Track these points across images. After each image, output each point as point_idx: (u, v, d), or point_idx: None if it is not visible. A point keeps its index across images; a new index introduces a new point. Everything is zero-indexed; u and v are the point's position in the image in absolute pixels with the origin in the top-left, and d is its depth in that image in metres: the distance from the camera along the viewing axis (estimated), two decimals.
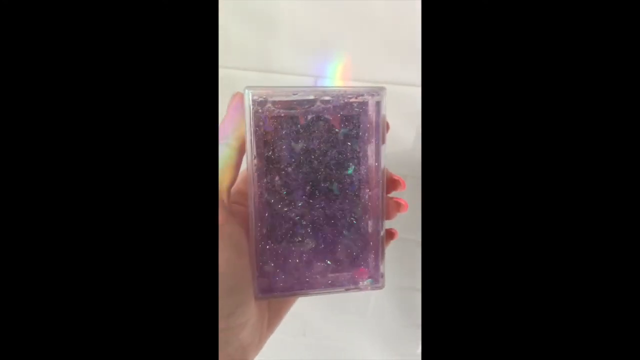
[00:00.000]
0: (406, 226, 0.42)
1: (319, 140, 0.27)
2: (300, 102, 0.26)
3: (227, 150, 0.26)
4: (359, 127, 0.27)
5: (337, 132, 0.27)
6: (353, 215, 0.28)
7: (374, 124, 0.27)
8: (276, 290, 0.28)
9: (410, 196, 0.41)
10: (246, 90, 0.25)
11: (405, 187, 0.30)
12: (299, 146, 0.27)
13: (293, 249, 0.28)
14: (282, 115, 0.26)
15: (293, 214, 0.27)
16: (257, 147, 0.26)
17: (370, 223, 0.28)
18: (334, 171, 0.27)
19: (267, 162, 0.26)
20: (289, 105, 0.26)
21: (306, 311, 0.48)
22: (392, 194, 0.30)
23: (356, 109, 0.27)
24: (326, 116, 0.27)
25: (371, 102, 0.27)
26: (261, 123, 0.26)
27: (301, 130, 0.27)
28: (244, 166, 0.27)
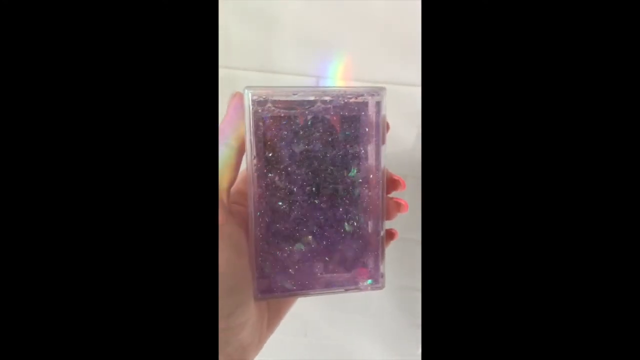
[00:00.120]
0: (406, 226, 0.42)
1: (318, 141, 0.27)
2: (300, 102, 0.26)
3: (227, 150, 0.25)
4: (359, 127, 0.27)
5: (337, 133, 0.27)
6: (353, 215, 0.28)
7: (374, 124, 0.27)
8: (276, 290, 0.28)
9: (410, 196, 0.41)
10: (246, 90, 0.25)
11: (405, 187, 0.29)
12: (299, 146, 0.27)
13: (293, 249, 0.28)
14: (282, 115, 0.26)
15: (293, 215, 0.27)
16: (257, 147, 0.26)
17: (370, 223, 0.28)
18: (334, 171, 0.27)
19: (267, 163, 0.26)
20: (288, 105, 0.26)
21: (307, 311, 0.48)
22: (392, 194, 0.30)
23: (356, 109, 0.27)
24: (326, 116, 0.27)
25: (371, 102, 0.27)
26: (261, 123, 0.26)
27: (301, 131, 0.27)
28: (243, 166, 0.27)
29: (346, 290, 0.29)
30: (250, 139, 0.26)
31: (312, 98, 0.26)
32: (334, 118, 0.27)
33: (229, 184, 0.26)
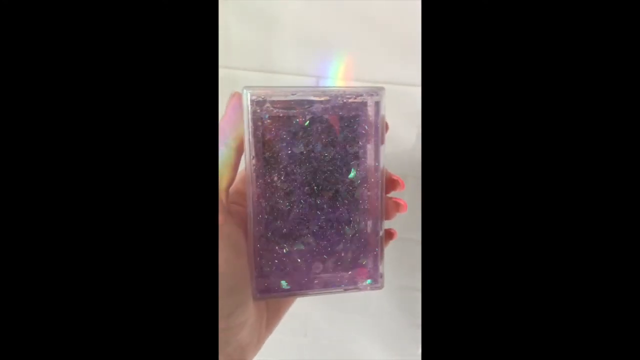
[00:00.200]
0: (406, 226, 0.42)
1: (317, 141, 0.27)
2: (299, 102, 0.26)
3: (226, 150, 0.25)
4: (358, 127, 0.27)
5: (336, 133, 0.27)
6: (352, 215, 0.28)
7: (373, 124, 0.27)
8: (274, 290, 0.28)
9: (410, 196, 0.41)
10: (244, 90, 0.25)
11: (404, 187, 0.29)
12: (298, 147, 0.27)
13: (291, 249, 0.28)
14: (281, 115, 0.26)
15: (292, 215, 0.27)
16: (256, 148, 0.26)
17: (369, 223, 0.28)
18: (333, 171, 0.27)
19: (266, 163, 0.26)
20: (287, 105, 0.26)
21: (307, 311, 0.48)
22: (392, 194, 0.30)
23: (355, 109, 0.27)
24: (325, 116, 0.27)
25: (370, 102, 0.27)
26: (259, 123, 0.26)
27: (300, 131, 0.27)
28: (242, 167, 0.27)
29: (345, 290, 0.29)
30: (249, 139, 0.26)
31: (311, 98, 0.26)
32: (333, 118, 0.27)
33: (227, 184, 0.26)
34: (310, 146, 0.27)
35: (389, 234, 0.30)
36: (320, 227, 0.28)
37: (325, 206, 0.28)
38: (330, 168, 0.27)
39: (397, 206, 0.30)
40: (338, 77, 0.37)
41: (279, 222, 0.27)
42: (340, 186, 0.28)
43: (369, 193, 0.28)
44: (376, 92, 0.27)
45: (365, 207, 0.28)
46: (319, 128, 0.27)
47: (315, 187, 0.27)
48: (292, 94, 0.26)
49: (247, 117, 0.25)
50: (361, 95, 0.27)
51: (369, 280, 0.29)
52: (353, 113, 0.27)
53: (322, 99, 0.26)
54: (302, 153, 0.27)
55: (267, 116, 0.26)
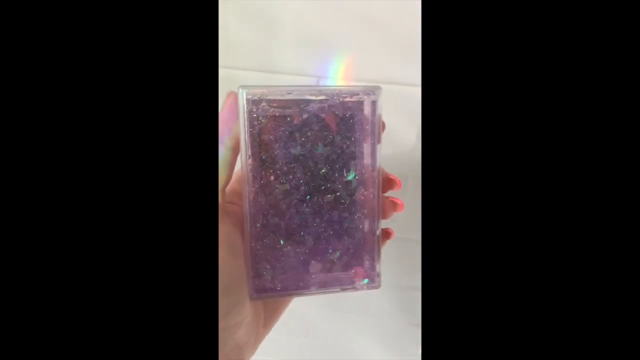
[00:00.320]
0: (406, 226, 0.42)
1: (314, 140, 0.27)
2: (296, 102, 0.26)
3: (222, 150, 0.25)
4: (354, 126, 0.27)
5: (332, 132, 0.27)
6: (349, 214, 0.28)
7: (369, 123, 0.27)
8: (271, 290, 0.28)
9: (410, 196, 0.41)
10: (240, 90, 0.25)
11: (401, 186, 0.29)
12: (294, 146, 0.27)
13: (288, 248, 0.28)
14: (277, 114, 0.26)
15: (288, 214, 0.27)
16: (252, 147, 0.26)
17: (366, 223, 0.28)
18: (330, 171, 0.27)
19: (262, 162, 0.26)
20: (283, 104, 0.26)
21: (308, 311, 0.48)
22: (389, 193, 0.30)
23: (352, 109, 0.27)
24: (321, 115, 0.27)
25: (367, 101, 0.27)
26: (255, 122, 0.26)
27: (296, 130, 0.26)
28: (238, 166, 0.27)
29: (342, 289, 0.29)
30: (245, 139, 0.26)
31: (307, 97, 0.26)
32: (330, 117, 0.27)
33: (224, 183, 0.26)
34: (307, 145, 0.27)
35: (386, 234, 0.30)
36: (317, 226, 0.28)
37: (322, 205, 0.28)
38: (327, 167, 0.27)
39: (394, 205, 0.30)
40: (338, 77, 0.37)
41: (275, 221, 0.27)
42: (337, 185, 0.27)
43: (365, 192, 0.28)
44: (373, 91, 0.27)
45: (362, 206, 0.28)
46: (316, 127, 0.27)
47: (312, 187, 0.27)
48: (288, 93, 0.26)
49: (243, 116, 0.25)
50: (357, 95, 0.27)
51: (366, 280, 0.29)
52: (349, 112, 0.27)
53: (319, 98, 0.26)
54: (298, 152, 0.27)
55: (263, 115, 0.26)
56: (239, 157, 0.26)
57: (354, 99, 0.27)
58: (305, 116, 0.26)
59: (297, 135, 0.27)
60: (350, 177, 0.28)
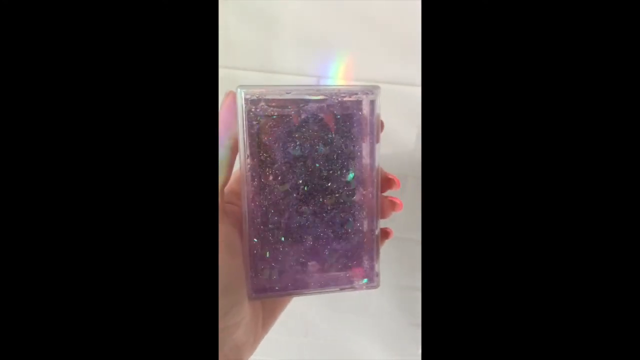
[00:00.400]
0: (406, 226, 0.42)
1: (313, 139, 0.27)
2: (294, 101, 0.26)
3: (220, 149, 0.25)
4: (353, 126, 0.27)
5: (331, 131, 0.27)
6: (348, 214, 0.28)
7: (368, 122, 0.27)
8: (270, 290, 0.28)
9: (411, 196, 0.41)
10: (239, 89, 0.25)
11: (399, 186, 0.29)
12: (293, 146, 0.27)
13: (287, 248, 0.28)
14: (276, 114, 0.26)
15: (287, 214, 0.27)
16: (251, 147, 0.26)
17: (365, 222, 0.28)
18: (329, 170, 0.27)
19: (261, 162, 0.26)
20: (282, 104, 0.26)
21: (307, 311, 0.48)
22: (387, 193, 0.30)
23: (350, 108, 0.27)
24: (320, 115, 0.27)
25: (365, 101, 0.27)
26: (254, 122, 0.26)
27: (295, 130, 0.26)
28: (237, 166, 0.27)
29: (341, 289, 0.29)
30: (244, 139, 0.26)
31: (306, 97, 0.26)
32: (328, 117, 0.27)
33: (222, 183, 0.26)
34: (306, 145, 0.27)
35: (385, 233, 0.30)
36: (315, 226, 0.28)
37: (321, 205, 0.28)
38: (326, 167, 0.27)
39: (393, 205, 0.30)
40: (339, 77, 0.37)
41: (274, 221, 0.27)
42: (335, 185, 0.27)
43: (364, 192, 0.28)
44: (371, 90, 0.27)
45: (361, 206, 0.28)
46: (315, 127, 0.27)
47: (311, 186, 0.27)
48: (287, 93, 0.26)
49: (241, 116, 0.25)
50: (356, 94, 0.27)
51: (365, 280, 0.29)
52: (348, 112, 0.27)
53: (317, 97, 0.26)
54: (297, 152, 0.27)
55: (262, 115, 0.26)
56: (237, 157, 0.26)
57: (353, 98, 0.27)
58: (304, 116, 0.26)
59: (295, 134, 0.26)
60: (349, 178, 0.27)
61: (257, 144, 0.26)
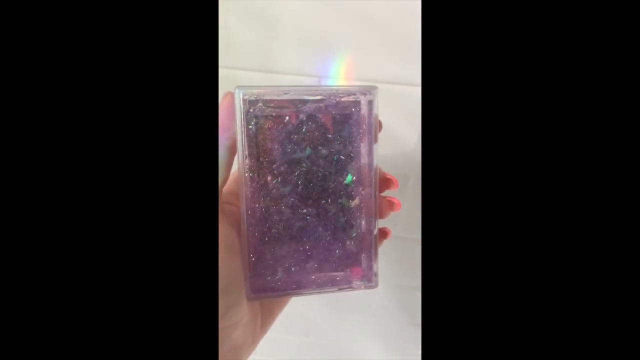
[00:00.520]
0: (406, 226, 0.42)
1: (311, 140, 0.27)
2: (292, 102, 0.26)
3: (219, 150, 0.25)
4: (351, 126, 0.27)
5: (329, 131, 0.27)
6: (346, 214, 0.28)
7: (366, 122, 0.27)
8: (268, 290, 0.28)
9: (410, 196, 0.41)
10: (237, 90, 0.25)
11: (398, 186, 0.29)
12: (291, 146, 0.27)
13: (285, 249, 0.28)
14: (274, 114, 0.26)
15: (285, 214, 0.27)
16: (249, 147, 0.26)
17: (363, 222, 0.28)
18: (327, 170, 0.27)
19: (259, 162, 0.26)
20: (280, 104, 0.26)
21: (308, 311, 0.48)
22: (386, 193, 0.30)
23: (348, 108, 0.27)
24: (318, 115, 0.27)
25: (363, 101, 0.27)
26: (252, 123, 0.26)
27: (293, 130, 0.26)
28: (235, 167, 0.27)
29: (340, 289, 0.29)
30: (242, 139, 0.26)
31: (304, 97, 0.26)
32: (326, 117, 0.27)
33: (221, 184, 0.26)
34: (304, 145, 0.27)
35: (383, 233, 0.30)
36: (314, 226, 0.28)
37: (319, 205, 0.28)
38: (325, 167, 0.27)
39: (391, 205, 0.30)
40: (339, 77, 0.38)
41: (272, 221, 0.27)
42: (335, 185, 0.27)
43: (362, 192, 0.28)
44: (369, 91, 0.27)
45: (360, 205, 0.28)
46: (313, 127, 0.27)
47: (309, 187, 0.27)
48: (285, 93, 0.26)
49: (239, 116, 0.25)
50: (354, 94, 0.27)
51: (363, 280, 0.29)
52: (346, 112, 0.27)
53: (316, 98, 0.26)
54: (295, 152, 0.27)
55: (260, 116, 0.26)
56: (235, 158, 0.26)
57: (351, 98, 0.27)
58: (302, 116, 0.26)
59: (294, 135, 0.27)
60: (348, 181, 0.28)
61: (256, 145, 0.26)
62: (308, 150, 0.27)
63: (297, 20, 0.37)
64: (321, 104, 0.26)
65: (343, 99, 0.27)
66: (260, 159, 0.26)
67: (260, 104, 0.26)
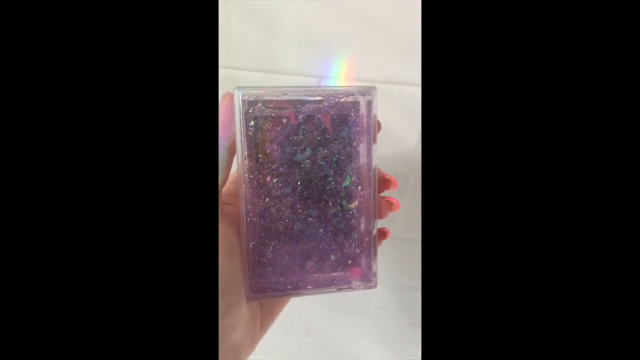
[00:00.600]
0: (406, 226, 0.42)
1: (310, 140, 0.27)
2: (292, 102, 0.26)
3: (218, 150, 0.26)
4: (350, 126, 0.27)
5: (328, 132, 0.27)
6: (345, 215, 0.28)
7: (365, 123, 0.27)
8: (268, 290, 0.28)
9: (411, 196, 0.41)
10: (236, 91, 0.25)
11: (396, 186, 0.29)
12: (290, 146, 0.27)
13: (285, 249, 0.28)
14: (273, 115, 0.26)
15: (285, 215, 0.27)
16: (248, 148, 0.26)
17: (362, 222, 0.28)
18: (326, 171, 0.27)
19: (258, 163, 0.26)
20: (280, 105, 0.26)
21: (308, 312, 0.48)
22: (386, 193, 0.30)
23: (347, 109, 0.27)
24: (317, 116, 0.27)
25: (362, 101, 0.27)
26: (252, 123, 0.26)
27: (292, 131, 0.26)
28: (234, 167, 0.27)
29: (339, 289, 0.29)
30: (241, 140, 0.26)
31: (303, 98, 0.26)
32: (325, 118, 0.27)
33: (220, 184, 0.26)
34: (303, 145, 0.27)
35: (382, 233, 0.30)
36: (313, 227, 0.28)
37: (318, 206, 0.28)
38: (324, 168, 0.27)
39: (390, 205, 0.30)
40: (340, 77, 0.37)
41: (272, 222, 0.27)
42: (334, 186, 0.27)
43: (361, 192, 0.28)
44: (368, 91, 0.27)
45: (359, 206, 0.28)
46: (312, 128, 0.27)
47: (308, 187, 0.27)
48: (284, 94, 0.26)
49: (238, 117, 0.25)
50: (353, 95, 0.27)
51: (362, 280, 0.29)
52: (345, 112, 0.27)
53: (315, 98, 0.26)
54: (294, 153, 0.27)
55: (259, 116, 0.26)
56: (235, 158, 0.26)
57: (350, 99, 0.27)
58: (301, 117, 0.26)
59: (293, 135, 0.27)
60: (346, 184, 0.28)
61: (255, 145, 0.26)
62: (307, 151, 0.27)
63: (297, 20, 0.37)
64: (320, 105, 0.27)
65: (342, 100, 0.27)
66: (260, 159, 0.26)
67: (259, 105, 0.26)
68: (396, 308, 0.47)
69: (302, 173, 0.27)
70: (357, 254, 0.29)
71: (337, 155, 0.27)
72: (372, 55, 0.38)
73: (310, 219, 0.28)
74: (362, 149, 0.28)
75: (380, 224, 0.29)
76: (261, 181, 0.27)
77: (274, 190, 0.27)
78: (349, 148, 0.27)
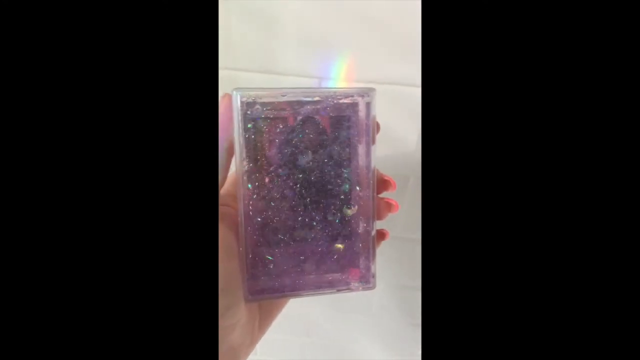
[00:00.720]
0: (406, 226, 0.42)
1: (309, 142, 0.27)
2: (290, 103, 0.26)
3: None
4: (349, 128, 0.27)
5: (327, 133, 0.27)
6: (344, 215, 0.28)
7: (364, 124, 0.27)
8: (266, 292, 0.28)
9: (411, 196, 0.41)
10: (234, 92, 0.25)
11: (395, 187, 0.29)
12: (289, 148, 0.27)
13: (283, 250, 0.28)
14: (272, 116, 0.26)
15: (283, 216, 0.27)
16: (246, 149, 0.26)
17: (361, 224, 0.28)
18: (324, 172, 0.27)
19: (256, 164, 0.26)
20: (278, 106, 0.26)
21: (309, 312, 0.48)
22: (384, 194, 0.30)
23: (346, 110, 0.27)
24: (316, 117, 0.27)
25: (361, 103, 0.27)
26: (250, 125, 0.26)
27: (291, 132, 0.26)
28: (233, 169, 0.27)
29: (337, 290, 0.29)
30: (240, 141, 0.26)
31: (301, 99, 0.26)
32: (324, 119, 0.27)
33: (219, 185, 0.26)
34: (301, 147, 0.27)
35: (381, 234, 0.30)
36: (311, 228, 0.28)
37: (317, 208, 0.28)
38: (323, 169, 0.27)
39: (389, 206, 0.30)
40: (340, 78, 0.37)
41: (270, 223, 0.27)
42: (332, 187, 0.27)
43: (360, 194, 0.28)
44: (367, 93, 0.27)
45: (359, 213, 0.28)
46: (310, 129, 0.27)
47: (307, 189, 0.27)
48: (283, 95, 0.26)
49: (237, 118, 0.25)
50: (352, 96, 0.27)
51: (361, 281, 0.29)
52: (344, 114, 0.27)
53: (313, 99, 0.26)
54: (292, 154, 0.27)
55: (257, 117, 0.26)
56: (233, 160, 0.26)
57: (349, 100, 0.27)
58: (299, 118, 0.26)
59: (291, 137, 0.26)
60: (344, 190, 0.28)
61: (253, 147, 0.26)
62: (306, 153, 0.27)
63: (297, 20, 0.37)
64: (319, 106, 0.27)
65: (341, 101, 0.27)
66: (258, 161, 0.26)
67: (257, 106, 0.26)
68: (396, 308, 0.47)
69: (300, 174, 0.27)
70: (356, 255, 0.29)
71: (335, 157, 0.27)
72: (372, 55, 0.38)
73: (309, 220, 0.28)
74: (361, 150, 0.28)
75: (380, 224, 0.29)
76: (260, 182, 0.27)
77: (272, 192, 0.27)
78: (347, 149, 0.27)
